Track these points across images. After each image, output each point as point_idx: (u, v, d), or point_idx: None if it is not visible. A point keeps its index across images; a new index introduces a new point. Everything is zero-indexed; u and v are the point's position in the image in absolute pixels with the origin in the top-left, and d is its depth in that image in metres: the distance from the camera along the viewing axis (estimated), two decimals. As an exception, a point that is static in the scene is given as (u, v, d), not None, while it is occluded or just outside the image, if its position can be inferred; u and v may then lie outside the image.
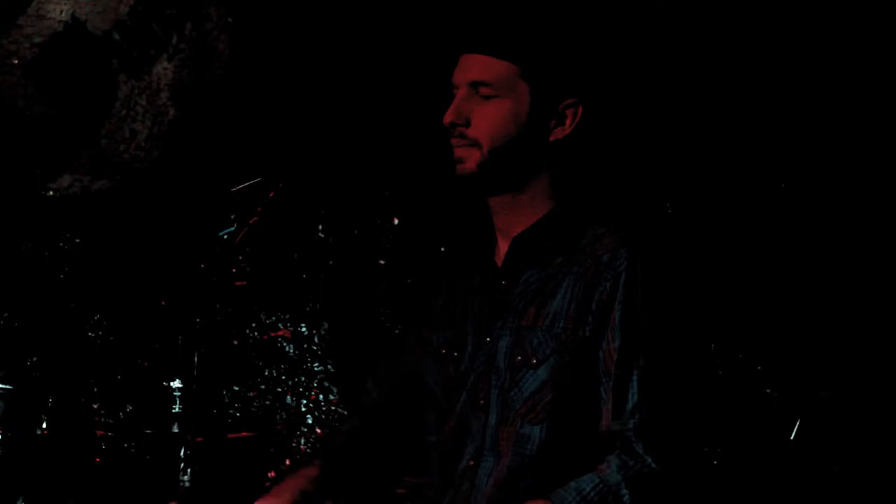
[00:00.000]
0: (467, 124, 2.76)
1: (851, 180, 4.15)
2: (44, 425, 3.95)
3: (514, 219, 2.83)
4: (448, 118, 2.77)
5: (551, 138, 2.78)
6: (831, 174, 4.18)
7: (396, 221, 4.86)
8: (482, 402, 2.78)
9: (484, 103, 2.76)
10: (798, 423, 4.06)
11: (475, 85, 2.76)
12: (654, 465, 2.58)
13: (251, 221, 2.56)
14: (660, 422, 2.61)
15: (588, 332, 2.67)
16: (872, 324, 4.09)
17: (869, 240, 4.12)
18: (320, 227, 4.91)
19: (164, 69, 4.66)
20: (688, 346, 2.71)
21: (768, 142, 4.26)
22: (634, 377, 2.63)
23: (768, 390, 4.20)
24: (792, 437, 4.06)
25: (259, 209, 2.58)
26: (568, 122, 2.78)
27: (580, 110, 2.78)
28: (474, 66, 2.77)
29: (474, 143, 2.76)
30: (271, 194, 2.62)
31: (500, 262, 2.85)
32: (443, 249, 4.70)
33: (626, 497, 2.56)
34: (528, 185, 2.80)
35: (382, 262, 4.88)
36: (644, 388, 2.62)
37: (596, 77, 2.85)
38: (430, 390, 2.92)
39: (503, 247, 2.85)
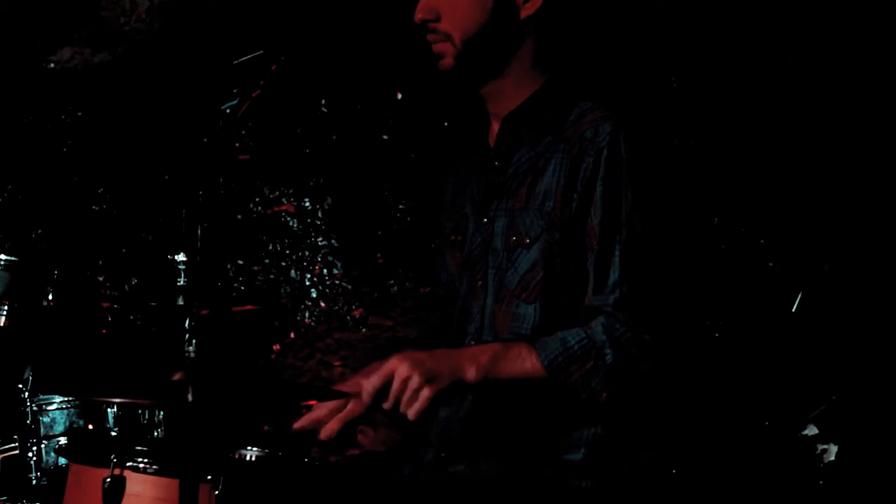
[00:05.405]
0: (437, 19, 2.75)
1: (853, 51, 4.12)
2: (50, 297, 3.97)
3: (503, 103, 2.83)
4: (418, 16, 2.76)
5: (523, 14, 2.76)
6: (833, 44, 4.14)
7: (400, 96, 4.83)
8: (480, 283, 2.82)
9: None
10: (800, 296, 4.08)
11: None
12: (642, 334, 2.60)
13: (253, 95, 2.54)
14: (640, 296, 2.63)
15: (575, 209, 2.69)
16: (875, 196, 4.09)
17: (876, 110, 4.10)
18: (323, 101, 4.88)
19: (164, -61, 4.61)
20: (672, 220, 2.71)
21: (774, 14, 4.22)
22: (616, 253, 2.64)
23: (770, 263, 4.21)
24: (794, 310, 4.08)
25: (261, 83, 2.56)
26: None
27: None
28: None
29: (447, 37, 2.74)
30: (274, 67, 2.59)
31: (492, 144, 2.85)
32: (446, 124, 4.69)
33: (609, 357, 2.59)
34: (509, 67, 2.79)
35: (385, 136, 4.87)
36: (625, 263, 2.64)
37: None
38: (453, 277, 2.95)
39: (495, 128, 2.85)
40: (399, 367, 2.54)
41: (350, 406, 2.84)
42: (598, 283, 2.65)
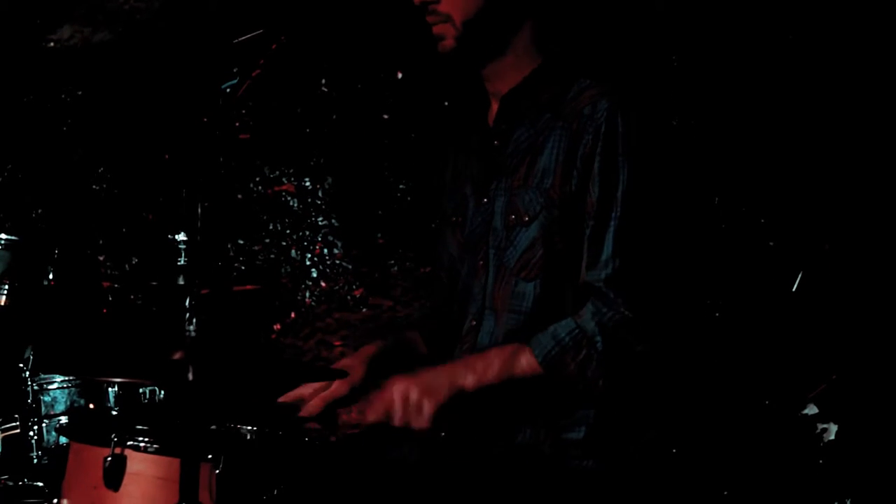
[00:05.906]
0: (438, 0, 2.73)
1: (853, 31, 4.12)
2: (50, 277, 3.97)
3: (502, 82, 2.82)
4: None
5: None
6: (833, 24, 4.14)
7: (400, 75, 4.83)
8: (481, 262, 2.82)
9: None
10: (800, 276, 4.08)
11: None
12: (626, 313, 2.60)
13: (254, 74, 2.54)
14: (632, 272, 2.63)
15: (574, 187, 2.68)
16: (875, 176, 4.09)
17: (879, 88, 4.09)
18: (323, 80, 4.88)
19: (163, -82, 4.60)
20: (668, 197, 2.71)
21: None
22: (610, 228, 2.64)
23: (771, 243, 4.22)
24: (794, 289, 4.08)
25: (262, 62, 2.56)
26: None
27: None
28: None
29: (448, 19, 2.73)
30: (274, 47, 2.59)
31: (491, 123, 2.85)
32: (446, 104, 4.68)
33: (600, 344, 2.60)
34: (509, 46, 2.79)
35: (386, 116, 4.86)
36: (619, 239, 2.64)
37: None
38: (454, 259, 2.95)
39: (495, 108, 2.85)
40: (396, 384, 2.57)
41: (334, 387, 2.85)
42: (592, 259, 2.66)
